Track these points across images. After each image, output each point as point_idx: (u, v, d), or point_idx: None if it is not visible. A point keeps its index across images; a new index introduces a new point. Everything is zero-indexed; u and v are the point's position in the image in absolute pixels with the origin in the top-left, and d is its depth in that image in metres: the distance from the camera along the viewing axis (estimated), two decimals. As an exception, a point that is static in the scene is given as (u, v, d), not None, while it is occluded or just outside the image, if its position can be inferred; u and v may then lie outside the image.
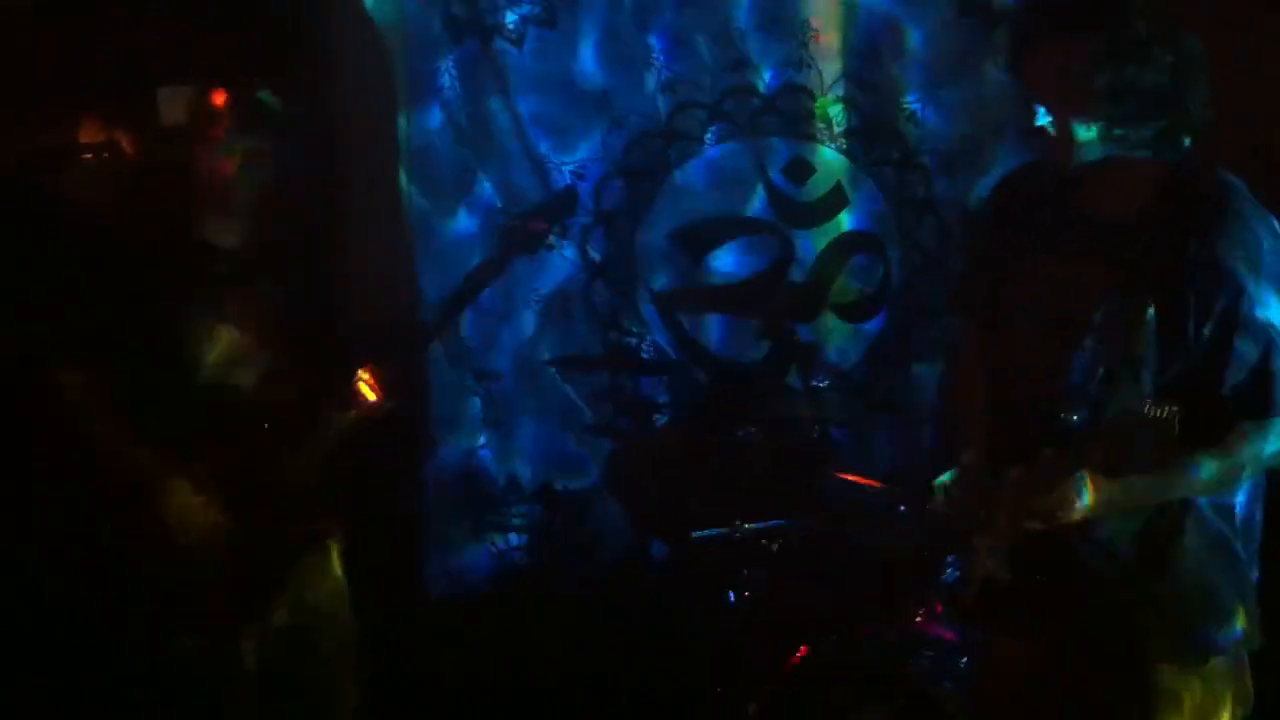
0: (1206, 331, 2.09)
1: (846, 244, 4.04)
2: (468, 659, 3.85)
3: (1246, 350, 2.08)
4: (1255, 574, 2.26)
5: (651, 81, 3.89)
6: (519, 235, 3.33)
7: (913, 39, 3.91)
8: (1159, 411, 1.90)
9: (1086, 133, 2.12)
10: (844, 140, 3.96)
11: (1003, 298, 2.34)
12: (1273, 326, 2.09)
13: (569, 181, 3.85)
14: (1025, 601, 2.24)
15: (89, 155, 3.19)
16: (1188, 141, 2.15)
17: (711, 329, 4.08)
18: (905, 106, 3.93)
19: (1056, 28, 2.11)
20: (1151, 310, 2.10)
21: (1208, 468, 2.10)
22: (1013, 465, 2.14)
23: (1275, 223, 2.14)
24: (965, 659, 2.97)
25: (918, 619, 3.17)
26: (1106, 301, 2.14)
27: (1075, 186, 2.22)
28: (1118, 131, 2.10)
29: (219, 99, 2.81)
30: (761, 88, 3.92)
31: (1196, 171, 2.17)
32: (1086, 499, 2.06)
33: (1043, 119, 2.14)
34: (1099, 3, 2.10)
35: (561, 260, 3.95)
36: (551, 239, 3.43)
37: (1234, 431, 2.11)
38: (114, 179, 3.11)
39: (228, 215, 2.83)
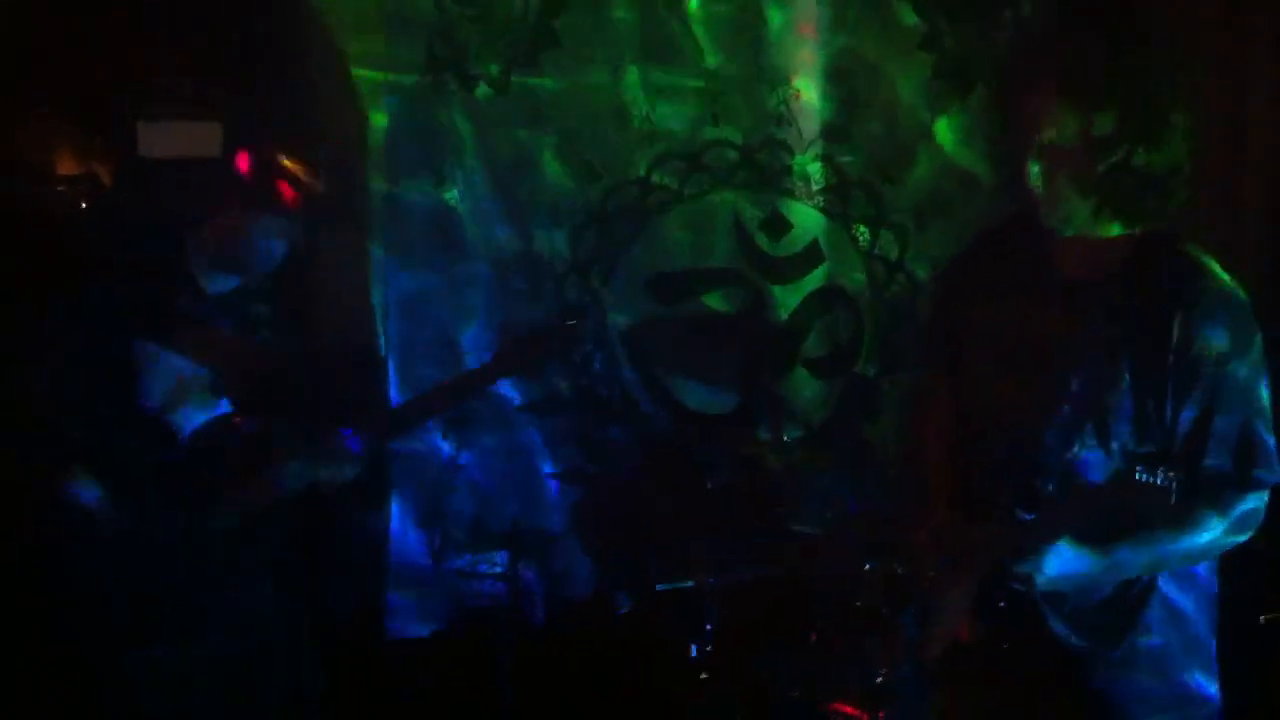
0: (1184, 411, 2.09)
1: (820, 299, 4.06)
2: (428, 700, 3.81)
3: (1225, 432, 2.08)
4: (1213, 645, 2.26)
5: (631, 132, 3.92)
6: (512, 360, 3.16)
7: (889, 98, 3.96)
8: (1154, 478, 1.89)
9: (1080, 200, 2.10)
10: (821, 197, 4.00)
11: (975, 355, 2.33)
12: (1250, 407, 2.10)
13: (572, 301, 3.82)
14: (987, 661, 2.24)
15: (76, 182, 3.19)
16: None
17: (683, 379, 4.08)
18: (880, 164, 3.99)
19: (1070, 99, 2.05)
20: (1128, 380, 2.10)
21: (1182, 544, 2.11)
22: (980, 524, 2.14)
23: (1245, 299, 2.14)
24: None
25: (881, 674, 3.16)
26: (1085, 368, 2.14)
27: (1054, 247, 2.21)
28: (1112, 203, 2.09)
29: (248, 172, 2.81)
30: (740, 142, 3.96)
31: (1171, 245, 2.17)
32: (1056, 566, 2.05)
33: (1035, 179, 2.10)
34: (1112, 79, 2.04)
35: (534, 306, 3.95)
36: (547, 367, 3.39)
37: (1205, 508, 2.11)
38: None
39: (230, 266, 2.82)
